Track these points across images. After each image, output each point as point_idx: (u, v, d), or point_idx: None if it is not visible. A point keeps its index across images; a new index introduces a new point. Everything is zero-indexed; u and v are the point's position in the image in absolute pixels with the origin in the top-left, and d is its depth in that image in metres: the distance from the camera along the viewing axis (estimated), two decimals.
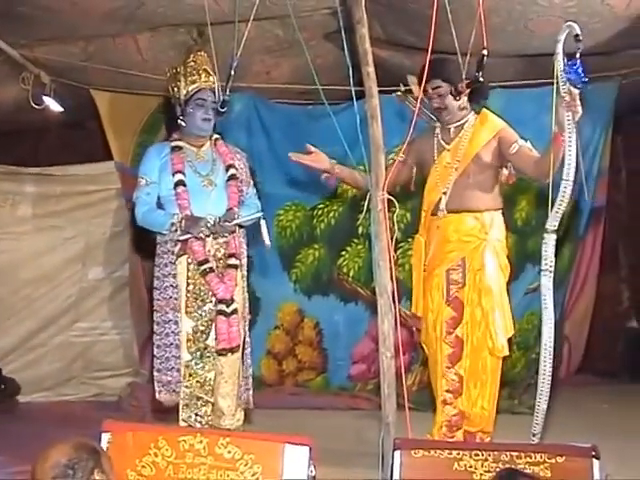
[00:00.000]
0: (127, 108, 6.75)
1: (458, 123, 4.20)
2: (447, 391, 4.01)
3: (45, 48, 5.89)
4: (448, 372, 4.01)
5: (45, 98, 6.28)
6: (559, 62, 3.45)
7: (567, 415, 5.32)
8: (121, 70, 6.17)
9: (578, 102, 3.42)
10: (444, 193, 4.09)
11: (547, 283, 3.55)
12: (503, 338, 4.01)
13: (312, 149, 4.18)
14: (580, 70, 3.38)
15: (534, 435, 3.64)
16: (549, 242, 3.53)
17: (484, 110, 4.25)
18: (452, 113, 4.18)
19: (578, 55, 3.35)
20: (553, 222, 3.53)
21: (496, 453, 2.93)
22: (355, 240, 6.85)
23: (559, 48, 3.47)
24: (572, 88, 3.39)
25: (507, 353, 4.08)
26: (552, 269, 3.53)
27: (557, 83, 3.45)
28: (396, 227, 3.88)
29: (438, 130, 4.25)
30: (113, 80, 6.40)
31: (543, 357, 3.50)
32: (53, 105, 6.44)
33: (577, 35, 3.35)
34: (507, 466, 2.83)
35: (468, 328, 4.03)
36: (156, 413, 5.29)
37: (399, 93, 4.32)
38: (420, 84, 4.09)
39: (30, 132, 7.55)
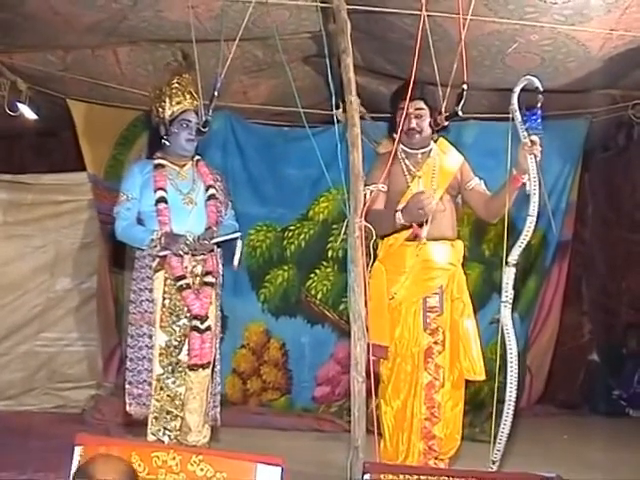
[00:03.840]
0: (103, 120, 6.74)
1: (424, 149, 4.24)
2: (427, 419, 4.03)
3: (23, 55, 5.89)
4: (428, 399, 4.03)
5: (20, 105, 6.27)
6: (516, 112, 3.64)
7: (527, 445, 5.35)
8: (99, 82, 6.17)
9: (539, 147, 3.64)
10: (425, 220, 4.10)
11: (507, 314, 3.66)
12: (481, 362, 4.06)
13: None
14: (539, 121, 3.56)
15: (493, 462, 3.69)
16: (510, 275, 3.65)
17: (441, 139, 4.32)
18: (424, 138, 4.21)
19: (539, 105, 3.54)
20: (514, 256, 3.65)
21: (462, 479, 2.98)
22: (324, 263, 6.89)
23: (514, 99, 3.67)
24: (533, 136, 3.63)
25: (484, 377, 4.12)
26: (511, 300, 3.66)
27: (514, 127, 3.70)
28: (372, 253, 3.93)
29: (403, 155, 4.24)
30: (90, 91, 6.41)
31: (509, 383, 3.58)
32: (28, 113, 6.43)
33: (537, 88, 3.53)
34: None
35: (447, 355, 4.06)
36: (120, 426, 5.29)
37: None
38: (399, 103, 4.11)
39: (4, 139, 7.54)
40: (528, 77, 3.65)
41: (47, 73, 6.05)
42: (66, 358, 6.74)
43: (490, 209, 4.13)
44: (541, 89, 3.58)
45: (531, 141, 3.64)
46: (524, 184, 3.72)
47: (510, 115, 3.77)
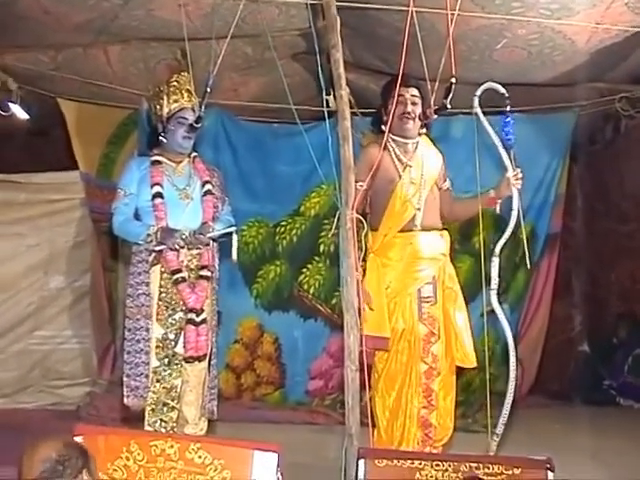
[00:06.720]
0: (94, 119, 6.77)
1: (414, 140, 4.27)
2: (424, 407, 4.08)
3: (14, 55, 5.91)
4: (424, 388, 4.08)
5: (11, 105, 6.29)
6: (481, 117, 3.78)
7: (519, 434, 5.35)
8: (90, 81, 6.19)
9: (520, 182, 3.88)
10: (418, 209, 4.15)
11: (495, 301, 3.89)
12: (472, 350, 4.14)
13: None
14: (510, 129, 3.69)
15: (496, 436, 3.80)
16: (495, 264, 3.88)
17: (424, 136, 4.37)
18: (415, 126, 4.25)
19: (508, 110, 3.70)
20: (498, 247, 3.88)
21: (456, 464, 3.04)
22: (316, 257, 6.93)
23: (476, 103, 3.78)
24: (519, 172, 3.87)
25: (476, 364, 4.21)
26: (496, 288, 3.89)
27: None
28: (363, 245, 3.98)
29: (394, 145, 4.24)
30: (81, 90, 6.43)
31: (511, 363, 3.80)
32: (19, 112, 6.45)
33: (503, 94, 3.65)
34: (471, 474, 2.96)
35: (442, 344, 4.12)
36: (115, 422, 5.30)
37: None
38: (393, 91, 4.14)
39: None
40: (490, 84, 3.78)
41: (38, 72, 6.07)
42: (60, 356, 6.79)
43: (454, 213, 4.39)
44: (506, 95, 3.77)
45: (516, 176, 3.84)
46: (497, 204, 4.00)
47: (483, 110, 3.91)
